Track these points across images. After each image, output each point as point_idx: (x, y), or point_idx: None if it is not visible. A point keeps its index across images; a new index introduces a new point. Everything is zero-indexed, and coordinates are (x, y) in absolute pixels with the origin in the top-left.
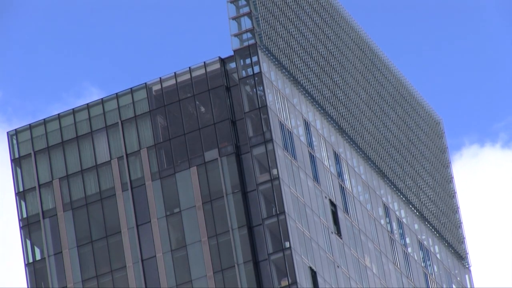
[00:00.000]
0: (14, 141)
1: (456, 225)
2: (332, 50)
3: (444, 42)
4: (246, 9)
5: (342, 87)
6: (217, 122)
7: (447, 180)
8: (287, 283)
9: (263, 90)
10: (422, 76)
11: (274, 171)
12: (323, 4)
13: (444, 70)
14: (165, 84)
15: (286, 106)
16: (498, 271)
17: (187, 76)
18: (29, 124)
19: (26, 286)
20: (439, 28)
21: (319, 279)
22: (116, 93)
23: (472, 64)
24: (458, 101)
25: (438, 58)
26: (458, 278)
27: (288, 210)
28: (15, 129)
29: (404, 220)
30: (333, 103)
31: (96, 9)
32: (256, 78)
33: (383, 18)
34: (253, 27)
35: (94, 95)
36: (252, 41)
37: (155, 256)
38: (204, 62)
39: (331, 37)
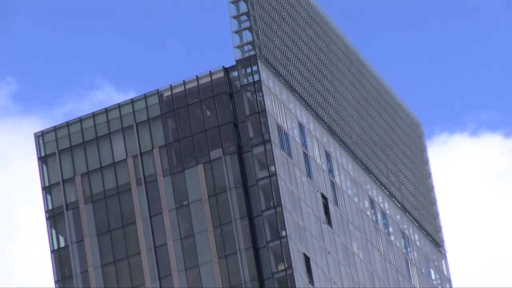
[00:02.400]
0: (41, 141)
1: (434, 216)
2: (324, 61)
3: (420, 46)
4: (247, 24)
5: (333, 93)
6: (221, 124)
7: (426, 176)
8: (284, 268)
9: (262, 96)
10: (402, 80)
11: (272, 168)
12: (316, 19)
13: (419, 72)
14: (175, 91)
15: (282, 110)
16: (471, 257)
17: (195, 84)
18: (54, 126)
19: (52, 270)
20: (415, 38)
21: (312, 264)
22: (131, 99)
23: (443, 64)
24: (431, 96)
25: (414, 59)
26: (436, 263)
27: (284, 202)
28: (41, 131)
29: (387, 211)
30: (325, 108)
31: (117, 15)
32: (256, 86)
33: (369, 32)
34: (253, 40)
35: (107, 90)
36: (252, 53)
37: (166, 243)
38: (210, 71)
39: (323, 49)
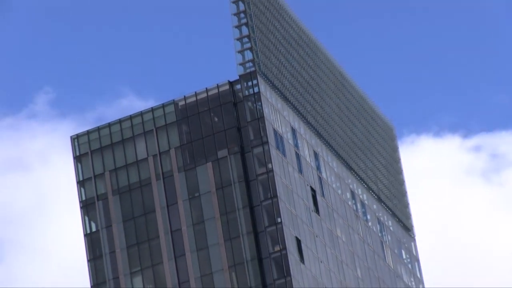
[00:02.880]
0: (76, 143)
1: (404, 205)
2: (312, 76)
3: (392, 61)
4: (248, 45)
5: (320, 103)
6: (227, 129)
7: (398, 172)
8: (279, 249)
9: (261, 106)
10: (378, 90)
11: (269, 166)
12: (306, 41)
13: (392, 83)
14: (188, 101)
15: (278, 117)
16: (436, 240)
17: (204, 95)
18: (87, 130)
19: (85, 251)
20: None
21: (303, 246)
22: (152, 107)
23: (411, 76)
24: (402, 103)
25: (388, 72)
26: (406, 245)
27: (280, 194)
28: (76, 134)
29: (365, 202)
30: (313, 115)
31: (139, 34)
32: (255, 97)
33: (350, 51)
34: (254, 58)
35: (130, 98)
36: (252, 69)
37: (181, 228)
38: (217, 84)
39: (312, 66)
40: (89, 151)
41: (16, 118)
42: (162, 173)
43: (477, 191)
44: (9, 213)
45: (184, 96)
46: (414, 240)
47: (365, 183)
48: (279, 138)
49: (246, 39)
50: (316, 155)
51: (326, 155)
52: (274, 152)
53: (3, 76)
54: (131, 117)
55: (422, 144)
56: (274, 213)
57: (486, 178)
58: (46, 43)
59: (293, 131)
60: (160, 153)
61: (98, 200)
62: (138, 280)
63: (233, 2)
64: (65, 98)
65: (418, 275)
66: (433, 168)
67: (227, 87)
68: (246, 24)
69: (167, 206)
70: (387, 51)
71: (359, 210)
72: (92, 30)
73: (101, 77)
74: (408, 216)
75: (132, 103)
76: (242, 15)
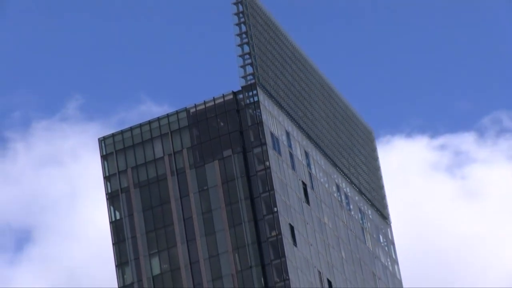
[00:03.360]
0: (102, 144)
1: (382, 197)
2: (303, 87)
3: (372, 72)
4: (249, 61)
5: (310, 110)
6: (231, 132)
7: (376, 168)
8: (275, 234)
9: (260, 112)
10: (359, 98)
11: (267, 163)
12: (298, 57)
13: (371, 92)
14: (198, 108)
15: (274, 122)
16: (409, 226)
17: (212, 103)
18: (112, 133)
19: (110, 236)
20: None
21: (295, 231)
22: (167, 114)
23: (386, 85)
24: (378, 109)
25: (368, 82)
26: (383, 231)
27: (276, 187)
28: (103, 136)
29: (349, 194)
30: (304, 120)
31: (154, 48)
32: (255, 105)
33: (337, 63)
34: (254, 72)
35: (148, 104)
36: (253, 81)
37: (192, 216)
38: (223, 94)
39: (303, 79)
40: (114, 150)
41: (51, 121)
42: (176, 170)
43: (443, 183)
44: (45, 202)
45: (195, 104)
46: (390, 226)
47: (348, 178)
48: (275, 140)
49: (247, 56)
50: (306, 154)
51: (315, 155)
52: (271, 152)
53: (40, 85)
54: (149, 122)
55: (396, 144)
56: (271, 203)
57: (450, 173)
58: (77, 56)
59: (287, 134)
60: (174, 153)
61: (121, 192)
62: (155, 261)
63: (236, 24)
64: (92, 104)
65: (394, 256)
66: (405, 165)
67: (231, 96)
68: (247, 43)
69: (180, 197)
70: (367, 65)
71: (343, 201)
72: (115, 46)
73: (123, 86)
74: (384, 206)
75: (149, 108)
76: (244, 35)
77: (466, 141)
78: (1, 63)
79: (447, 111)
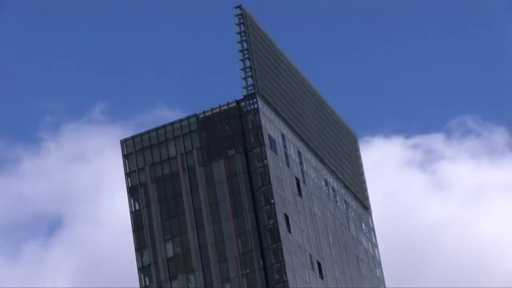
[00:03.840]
0: (124, 145)
1: (364, 189)
2: (297, 96)
3: (356, 80)
4: (250, 74)
5: (302, 116)
6: (234, 135)
7: (359, 165)
8: (272, 222)
9: (259, 118)
10: (344, 104)
11: (265, 161)
12: (292, 71)
13: (354, 99)
14: (206, 114)
15: (271, 126)
16: (387, 215)
17: (218, 110)
18: (132, 136)
19: (131, 224)
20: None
21: (290, 220)
22: (180, 119)
23: (367, 90)
24: (360, 113)
25: (351, 90)
26: (365, 219)
27: (273, 182)
28: (125, 138)
29: (335, 187)
30: (297, 125)
31: (168, 60)
32: (255, 111)
33: (324, 74)
34: (254, 83)
35: (163, 109)
36: (253, 91)
37: (201, 207)
38: (227, 102)
39: (296, 89)
40: (134, 150)
41: (78, 123)
42: (187, 167)
43: (416, 177)
44: (73, 193)
45: (203, 111)
46: (371, 215)
47: (335, 174)
48: (272, 141)
49: (248, 69)
50: (299, 154)
51: (306, 154)
52: (268, 152)
53: (68, 92)
54: (164, 126)
55: (375, 144)
56: (268, 196)
57: (422, 168)
58: (100, 67)
59: (283, 136)
60: (185, 153)
61: (140, 186)
62: (169, 245)
63: (239, 42)
64: (114, 109)
65: (374, 241)
66: (384, 161)
67: (234, 104)
68: (248, 58)
69: (191, 191)
70: (352, 76)
71: (331, 194)
72: (134, 58)
73: (140, 93)
74: (366, 197)
75: (163, 113)
76: (245, 51)
77: (435, 141)
78: (35, 73)
79: (419, 115)
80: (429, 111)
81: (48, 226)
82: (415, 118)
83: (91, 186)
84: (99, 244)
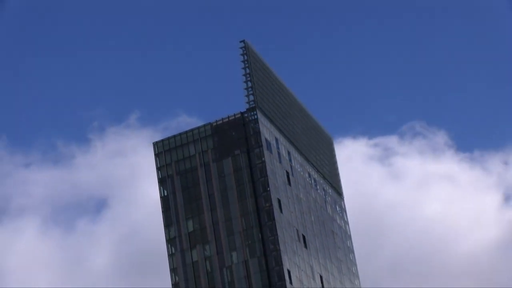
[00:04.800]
0: (156, 146)
1: (338, 179)
2: (287, 109)
3: (332, 92)
4: (251, 92)
5: (291, 124)
6: (239, 138)
7: (334, 161)
8: (268, 205)
9: (258, 125)
10: (323, 113)
11: (263, 159)
12: (283, 90)
13: (332, 108)
14: (218, 123)
15: (267, 132)
16: (355, 198)
17: (227, 119)
18: (162, 139)
19: (160, 206)
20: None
21: (281, 203)
22: (198, 126)
23: (341, 101)
24: (334, 120)
25: (330, 101)
26: (338, 202)
27: (269, 175)
28: (156, 141)
29: (316, 178)
30: (287, 131)
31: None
32: (255, 121)
33: (310, 86)
34: (255, 99)
35: (184, 116)
36: (254, 105)
37: (214, 193)
38: (234, 113)
39: (287, 103)
40: (163, 150)
41: (118, 127)
42: (204, 163)
43: (377, 169)
44: (115, 182)
45: (216, 120)
46: (343, 199)
47: (316, 168)
48: (268, 144)
49: (250, 89)
50: (289, 153)
51: (294, 153)
52: (265, 151)
53: (110, 102)
54: (186, 132)
55: (346, 143)
56: (265, 185)
57: (381, 162)
58: (136, 82)
59: (276, 140)
60: (202, 152)
61: (168, 178)
62: (190, 223)
63: (243, 68)
64: (146, 116)
65: (345, 219)
66: (352, 157)
67: (239, 115)
68: (250, 80)
69: (206, 181)
70: (328, 91)
71: (313, 183)
72: (162, 75)
73: (166, 104)
74: (339, 186)
75: (184, 120)
76: (248, 75)
77: (391, 141)
78: (86, 88)
79: (379, 122)
80: (386, 118)
81: (96, 206)
82: (375, 123)
83: (129, 176)
84: (135, 221)
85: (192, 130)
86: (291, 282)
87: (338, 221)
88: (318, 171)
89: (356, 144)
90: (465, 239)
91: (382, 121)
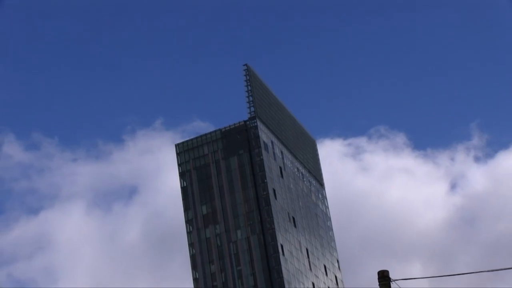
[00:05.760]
0: (177, 147)
1: (320, 173)
2: (280, 118)
3: (314, 101)
4: (252, 104)
5: (284, 131)
6: (243, 141)
7: (317, 158)
8: (266, 193)
9: (258, 131)
10: (309, 119)
11: (261, 157)
12: (277, 103)
13: (316, 116)
14: (226, 129)
15: (265, 136)
16: (333, 188)
17: (233, 126)
18: (182, 142)
19: (181, 194)
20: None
21: (276, 192)
22: (210, 132)
23: (323, 109)
24: (316, 124)
25: (314, 110)
26: (321, 191)
27: (266, 169)
28: (177, 143)
29: (303, 172)
30: (280, 135)
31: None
32: (255, 127)
33: (299, 95)
34: (255, 110)
35: (198, 121)
36: (254, 115)
37: (223, 185)
38: (238, 121)
39: (280, 114)
40: (183, 150)
41: (146, 130)
42: (215, 160)
43: (350, 164)
44: (144, 174)
45: (224, 126)
46: (324, 189)
47: (303, 164)
48: (265, 145)
49: (251, 102)
50: (281, 152)
51: (286, 152)
52: (263, 151)
53: (140, 110)
54: (201, 136)
55: (325, 143)
56: (263, 178)
57: (353, 158)
58: (161, 95)
59: (272, 142)
60: (213, 152)
61: (186, 172)
62: (204, 207)
63: (245, 86)
64: (168, 122)
65: (326, 204)
66: (331, 154)
67: (243, 122)
68: (252, 96)
69: (217, 175)
70: (313, 104)
71: (300, 176)
72: (181, 91)
73: (185, 112)
74: (321, 178)
75: (199, 124)
76: (250, 92)
77: (361, 141)
78: (119, 97)
79: (352, 126)
80: (357, 123)
81: (128, 193)
82: (349, 127)
83: (155, 170)
84: (160, 206)
85: (205, 134)
86: (283, 254)
87: (320, 206)
88: (304, 167)
89: (333, 144)
90: (419, 218)
91: (354, 125)
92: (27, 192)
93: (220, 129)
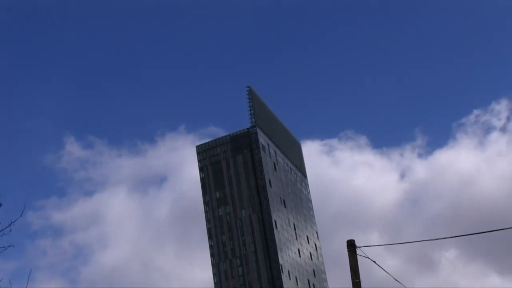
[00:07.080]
0: (198, 148)
1: (303, 167)
2: (274, 126)
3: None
4: (254, 116)
5: (278, 136)
6: (246, 143)
7: (301, 155)
8: (263, 183)
9: (257, 136)
10: (294, 124)
11: (260, 156)
12: (272, 115)
13: (299, 123)
14: (233, 134)
15: (263, 140)
16: (315, 179)
17: (239, 132)
18: (201, 143)
19: (200, 184)
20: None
21: (272, 182)
22: (221, 137)
23: (306, 118)
24: (301, 129)
25: (300, 117)
26: (305, 181)
27: (264, 165)
28: (197, 144)
29: (291, 166)
30: (274, 139)
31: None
32: (256, 133)
33: (290, 109)
34: (255, 119)
35: (212, 127)
36: (255, 124)
37: (231, 177)
38: (242, 129)
39: (274, 123)
40: (202, 150)
41: (173, 133)
42: (225, 158)
43: (325, 159)
44: (172, 165)
45: (232, 132)
46: (307, 179)
47: (291, 161)
48: (263, 147)
49: (253, 114)
50: (275, 152)
51: (278, 152)
52: (262, 151)
53: (167, 117)
54: (215, 140)
55: (307, 144)
56: (261, 171)
57: (328, 155)
58: (184, 104)
59: (268, 144)
60: (224, 152)
61: (204, 167)
62: (217, 192)
63: (248, 103)
64: (189, 127)
65: (308, 190)
66: (310, 153)
67: (246, 130)
68: (253, 109)
69: (227, 169)
70: (303, 112)
71: (289, 169)
72: (196, 102)
73: (202, 120)
74: (305, 170)
75: (213, 129)
76: (252, 107)
77: (334, 142)
78: (153, 106)
79: (327, 130)
80: (331, 128)
81: (160, 181)
82: (325, 131)
83: (180, 164)
84: (184, 191)
85: (218, 138)
86: (276, 227)
87: (304, 192)
88: (292, 162)
89: (313, 145)
90: (378, 200)
91: (328, 130)
92: (84, 180)
93: (229, 134)
